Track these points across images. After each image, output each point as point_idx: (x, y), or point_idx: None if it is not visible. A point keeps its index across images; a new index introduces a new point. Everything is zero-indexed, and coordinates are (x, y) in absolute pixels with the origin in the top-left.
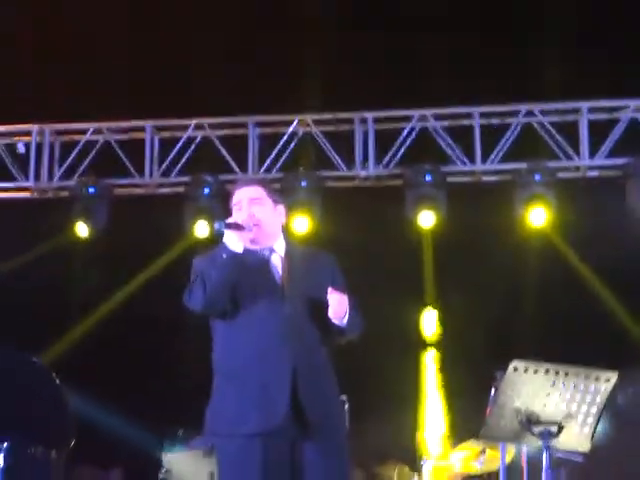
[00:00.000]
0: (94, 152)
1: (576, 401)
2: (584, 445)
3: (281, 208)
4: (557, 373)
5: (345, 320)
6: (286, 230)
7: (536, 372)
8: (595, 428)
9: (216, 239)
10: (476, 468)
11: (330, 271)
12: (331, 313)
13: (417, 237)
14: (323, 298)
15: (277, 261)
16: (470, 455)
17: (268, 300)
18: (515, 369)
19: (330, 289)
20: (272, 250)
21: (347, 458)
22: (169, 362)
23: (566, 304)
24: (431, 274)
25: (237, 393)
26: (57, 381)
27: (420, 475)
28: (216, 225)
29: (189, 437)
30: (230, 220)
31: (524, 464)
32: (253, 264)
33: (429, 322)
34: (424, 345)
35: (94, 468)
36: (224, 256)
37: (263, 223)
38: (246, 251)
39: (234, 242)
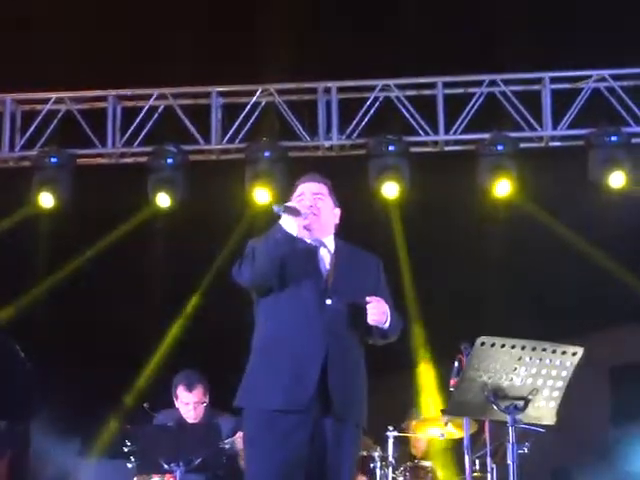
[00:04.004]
0: (56, 122)
1: (542, 375)
2: (549, 419)
3: (338, 211)
4: (524, 348)
5: (387, 325)
6: (338, 231)
7: (503, 347)
8: (560, 403)
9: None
10: (439, 438)
11: (375, 274)
12: (370, 320)
13: (382, 208)
14: (364, 298)
15: (325, 255)
16: (433, 426)
17: (311, 289)
18: (482, 344)
19: (369, 298)
20: (322, 244)
21: (360, 447)
22: (130, 328)
23: (539, 272)
24: (404, 245)
25: (269, 371)
26: (22, 355)
27: (383, 446)
28: (275, 208)
29: (154, 411)
30: (290, 204)
31: (487, 434)
32: (303, 252)
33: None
34: None
35: (50, 438)
36: (278, 235)
37: (321, 214)
38: (299, 239)
39: (290, 225)
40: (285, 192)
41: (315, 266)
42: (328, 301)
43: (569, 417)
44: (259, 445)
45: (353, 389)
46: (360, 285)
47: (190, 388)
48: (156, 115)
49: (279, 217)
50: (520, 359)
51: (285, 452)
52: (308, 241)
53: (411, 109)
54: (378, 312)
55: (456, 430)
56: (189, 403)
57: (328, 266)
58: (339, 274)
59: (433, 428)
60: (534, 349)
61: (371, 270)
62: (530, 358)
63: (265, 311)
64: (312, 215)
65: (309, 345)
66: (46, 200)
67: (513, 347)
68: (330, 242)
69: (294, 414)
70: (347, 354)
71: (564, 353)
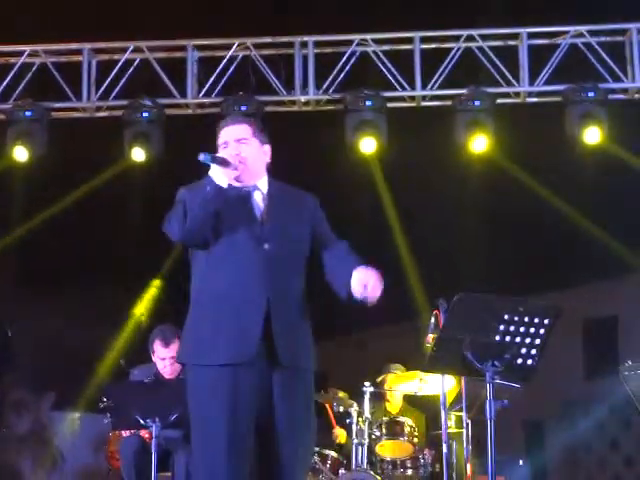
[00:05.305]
0: (30, 75)
1: (521, 333)
2: (527, 377)
3: (267, 147)
4: (502, 305)
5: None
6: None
7: (481, 304)
8: (538, 360)
9: (153, 164)
10: (413, 392)
11: (312, 212)
12: (362, 293)
13: (360, 162)
14: (303, 238)
15: (259, 198)
16: (407, 381)
17: (247, 235)
18: (460, 301)
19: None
20: (255, 187)
21: (313, 394)
22: (104, 285)
23: (515, 228)
24: (389, 199)
25: (210, 325)
26: None
27: (360, 402)
28: (201, 156)
29: (130, 367)
30: (217, 155)
31: (463, 392)
32: (235, 200)
33: None
34: None
35: (25, 392)
36: (208, 189)
37: (249, 161)
38: (230, 187)
39: (219, 177)
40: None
41: (249, 211)
42: (265, 246)
43: (541, 369)
44: (206, 402)
45: (298, 334)
46: (298, 226)
47: (166, 343)
48: (132, 69)
49: (207, 167)
50: (498, 316)
51: (234, 406)
52: (239, 186)
53: (388, 64)
54: (375, 283)
55: (432, 386)
56: (165, 358)
57: (262, 209)
58: (275, 216)
59: (408, 384)
60: (513, 306)
61: (308, 208)
62: (509, 315)
63: (201, 261)
64: (240, 164)
65: (249, 293)
66: (20, 154)
67: (492, 304)
68: (263, 184)
69: (240, 366)
70: (289, 298)
71: (543, 311)
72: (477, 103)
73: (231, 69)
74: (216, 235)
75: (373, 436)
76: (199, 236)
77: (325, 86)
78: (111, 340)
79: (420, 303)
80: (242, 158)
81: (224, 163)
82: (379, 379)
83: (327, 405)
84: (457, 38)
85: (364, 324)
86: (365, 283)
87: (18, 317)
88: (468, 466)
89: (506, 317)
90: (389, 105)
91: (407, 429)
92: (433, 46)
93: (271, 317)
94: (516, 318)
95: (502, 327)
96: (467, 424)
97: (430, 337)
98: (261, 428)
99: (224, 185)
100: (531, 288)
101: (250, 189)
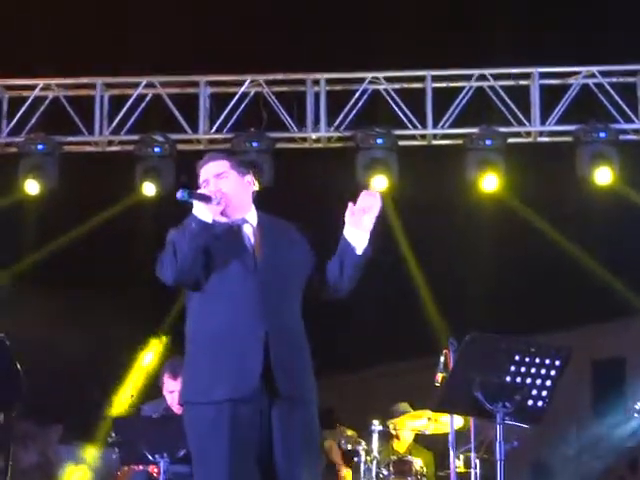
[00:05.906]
0: (43, 108)
1: (531, 375)
2: (537, 419)
3: (249, 178)
4: (514, 346)
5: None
6: (257, 200)
7: (493, 344)
8: (549, 402)
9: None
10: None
11: (301, 238)
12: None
13: None
14: (296, 266)
15: (249, 231)
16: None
17: (240, 270)
18: (472, 341)
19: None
20: (244, 220)
21: (317, 427)
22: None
23: (524, 267)
24: (403, 237)
25: (209, 362)
26: (7, 343)
27: (368, 440)
28: (179, 194)
29: (140, 402)
30: (198, 191)
31: (472, 430)
32: (225, 234)
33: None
34: None
35: (31, 424)
36: (193, 225)
37: (230, 195)
38: (216, 222)
39: (203, 212)
40: (274, 183)
41: (240, 245)
42: (259, 278)
43: (550, 410)
44: (206, 439)
45: (297, 364)
46: (290, 255)
47: (175, 375)
48: (144, 103)
49: (187, 203)
50: (510, 357)
51: (235, 442)
52: (227, 220)
53: (400, 102)
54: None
55: (441, 425)
56: (174, 391)
57: (253, 242)
58: (267, 247)
59: (417, 422)
60: (524, 347)
61: (297, 236)
62: (519, 356)
63: (194, 300)
64: (222, 200)
65: (246, 328)
66: (32, 187)
67: (503, 345)
68: (252, 217)
69: (240, 402)
70: (287, 329)
71: (554, 353)
72: (488, 142)
73: (243, 105)
74: (207, 272)
75: (381, 475)
76: (190, 275)
77: (336, 123)
78: (122, 374)
79: (432, 341)
80: (223, 194)
81: (204, 198)
82: (391, 422)
83: (332, 446)
84: (469, 77)
85: (371, 362)
86: (363, 207)
87: (25, 348)
88: None
89: (517, 358)
90: (400, 143)
91: (415, 469)
92: (444, 85)
93: (270, 351)
94: (527, 359)
95: (513, 368)
96: (476, 464)
97: (439, 376)
98: (262, 463)
99: (209, 220)
100: (539, 328)
101: (239, 222)
